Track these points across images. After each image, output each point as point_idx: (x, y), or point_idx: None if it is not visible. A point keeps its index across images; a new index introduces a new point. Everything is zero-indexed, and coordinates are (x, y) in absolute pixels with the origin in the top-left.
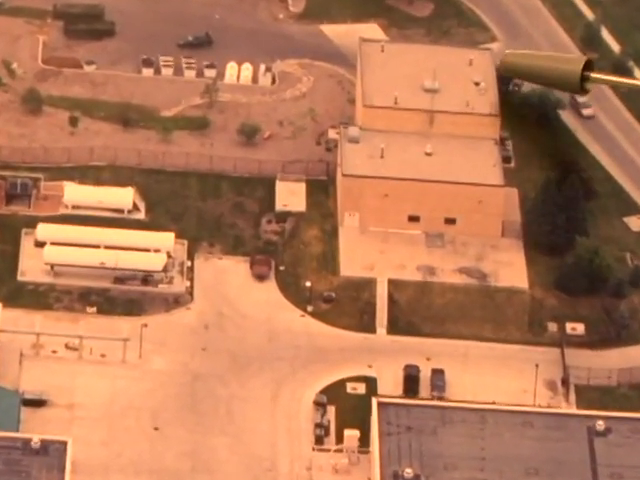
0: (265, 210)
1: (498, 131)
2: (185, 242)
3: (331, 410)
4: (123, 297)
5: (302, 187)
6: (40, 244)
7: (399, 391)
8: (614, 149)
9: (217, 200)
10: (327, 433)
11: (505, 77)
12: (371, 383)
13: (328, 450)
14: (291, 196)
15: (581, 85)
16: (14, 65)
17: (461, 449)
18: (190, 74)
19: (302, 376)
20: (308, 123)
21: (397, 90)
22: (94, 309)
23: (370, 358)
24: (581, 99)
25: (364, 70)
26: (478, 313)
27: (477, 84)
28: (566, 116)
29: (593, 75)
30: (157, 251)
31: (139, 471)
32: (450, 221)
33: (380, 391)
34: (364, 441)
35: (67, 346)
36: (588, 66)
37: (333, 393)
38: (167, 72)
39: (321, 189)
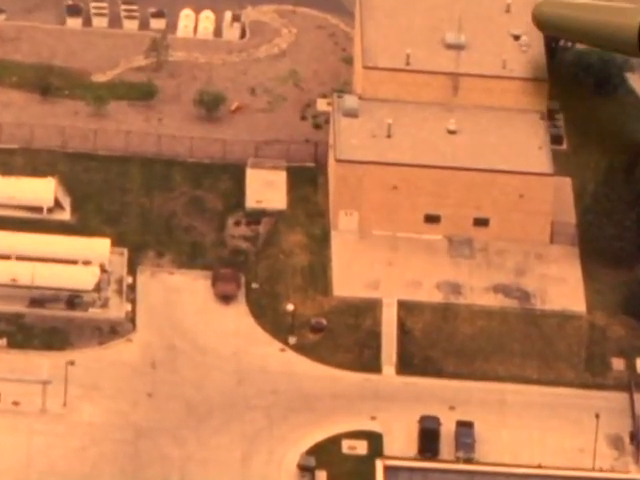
0: (232, 208)
1: (545, 101)
2: (125, 251)
3: (321, 476)
4: (42, 325)
5: (282, 177)
6: None
7: (413, 451)
8: None
9: (167, 195)
10: None
11: None
12: (375, 440)
13: None
14: (267, 189)
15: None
16: None
17: None
18: (131, 25)
19: (282, 431)
20: (290, 91)
21: (409, 46)
22: (3, 341)
23: (374, 407)
24: None
25: (365, 19)
26: (519, 346)
27: (517, 38)
28: (636, 81)
29: None
30: (87, 263)
31: None
32: (481, 222)
33: (387, 451)
34: None
35: None
36: None
37: (324, 454)
38: (100, 23)
39: (307, 179)
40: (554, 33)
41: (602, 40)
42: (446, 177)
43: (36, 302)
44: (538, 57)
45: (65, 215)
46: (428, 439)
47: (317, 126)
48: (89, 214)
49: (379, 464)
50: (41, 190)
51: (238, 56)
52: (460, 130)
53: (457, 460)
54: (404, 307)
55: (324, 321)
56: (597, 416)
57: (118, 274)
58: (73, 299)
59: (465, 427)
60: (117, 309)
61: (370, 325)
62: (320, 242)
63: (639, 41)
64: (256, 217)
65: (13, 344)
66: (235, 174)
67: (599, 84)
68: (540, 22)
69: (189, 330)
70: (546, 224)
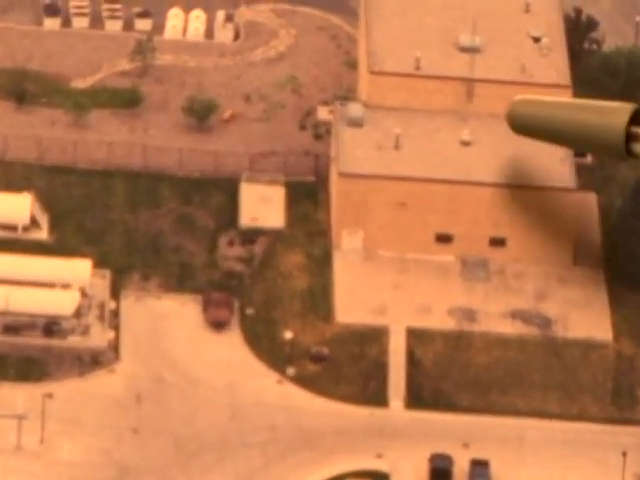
0: (225, 226)
1: None
2: (107, 273)
3: None
4: (16, 354)
5: (279, 192)
6: None
7: None
8: None
9: (154, 212)
10: None
11: (579, 31)
12: None
13: None
14: (263, 205)
15: (627, 147)
16: None
17: None
18: (114, 26)
19: (280, 470)
20: (288, 98)
21: (419, 49)
22: None
23: (380, 444)
24: None
25: (371, 19)
26: (539, 378)
27: (537, 40)
28: None
29: None
30: (66, 287)
31: None
32: (498, 242)
33: None
34: None
35: None
36: (637, 118)
37: None
38: (80, 23)
39: (307, 195)
40: (530, 136)
41: (584, 142)
42: (459, 192)
43: (10, 329)
44: (560, 61)
45: (42, 234)
46: (439, 479)
47: (318, 136)
48: (68, 233)
49: None
50: (16, 207)
51: (231, 60)
52: (475, 141)
53: None
54: (413, 335)
55: (325, 350)
56: (624, 454)
57: (100, 298)
58: (51, 326)
59: (480, 466)
60: (99, 337)
61: (376, 355)
62: (321, 263)
63: (626, 142)
64: (251, 236)
65: None
66: (228, 189)
67: (627, 89)
68: (514, 124)
69: (178, 360)
70: (569, 244)
